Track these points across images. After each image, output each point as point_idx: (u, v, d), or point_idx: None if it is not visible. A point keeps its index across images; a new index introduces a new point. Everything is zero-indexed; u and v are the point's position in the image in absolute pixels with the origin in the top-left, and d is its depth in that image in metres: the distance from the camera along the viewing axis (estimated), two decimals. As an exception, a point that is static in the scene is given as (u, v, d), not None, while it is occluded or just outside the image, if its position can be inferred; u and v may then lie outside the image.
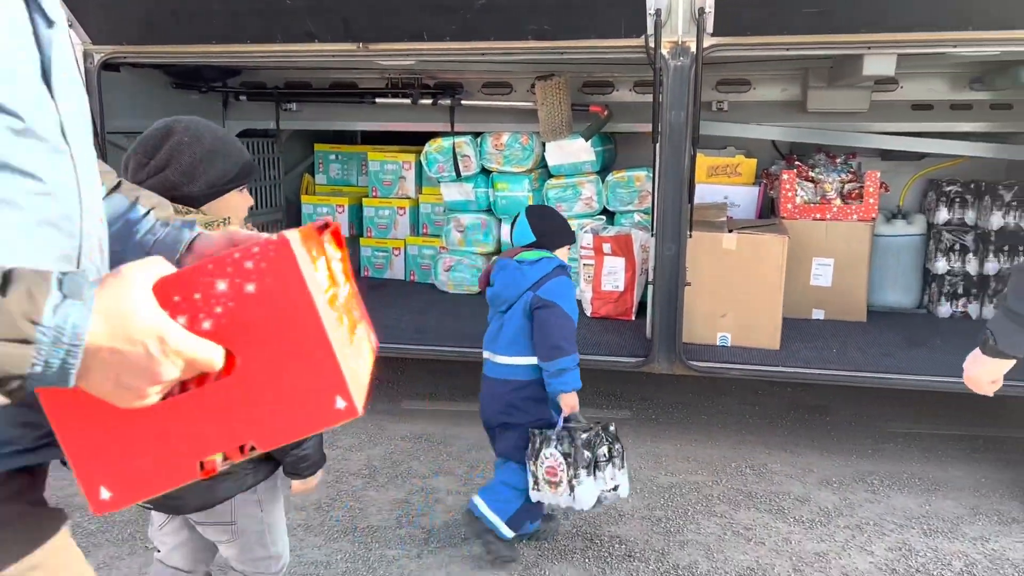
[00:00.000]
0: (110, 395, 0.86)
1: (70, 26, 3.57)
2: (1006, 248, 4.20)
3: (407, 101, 4.56)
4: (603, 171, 4.68)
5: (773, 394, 4.33)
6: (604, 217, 4.67)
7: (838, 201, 4.11)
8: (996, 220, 4.16)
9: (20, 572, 0.98)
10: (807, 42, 3.06)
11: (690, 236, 3.44)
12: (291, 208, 5.43)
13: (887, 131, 4.16)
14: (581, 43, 3.27)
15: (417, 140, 5.01)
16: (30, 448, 0.99)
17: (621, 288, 4.34)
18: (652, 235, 3.55)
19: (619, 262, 4.32)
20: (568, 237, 2.89)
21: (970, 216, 4.27)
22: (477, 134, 4.72)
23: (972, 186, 4.25)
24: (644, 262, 4.19)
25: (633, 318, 4.32)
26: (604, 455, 2.64)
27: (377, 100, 4.60)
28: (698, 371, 3.53)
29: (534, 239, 2.80)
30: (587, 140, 4.29)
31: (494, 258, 2.94)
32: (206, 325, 0.90)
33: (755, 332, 3.69)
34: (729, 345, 3.71)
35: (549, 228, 2.83)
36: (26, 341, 0.77)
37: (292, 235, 0.92)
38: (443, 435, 3.85)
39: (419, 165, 5.07)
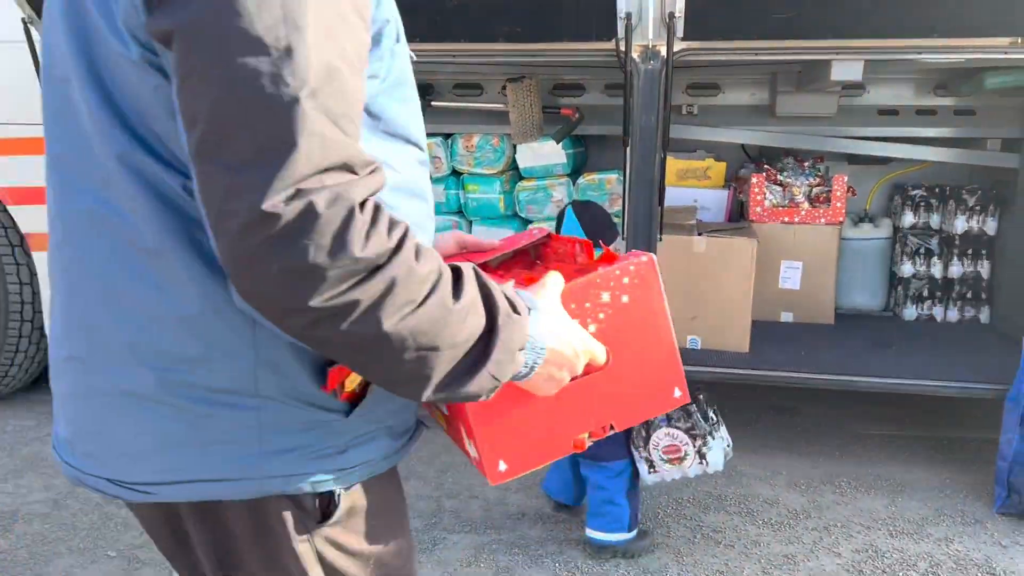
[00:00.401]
0: (539, 387, 1.04)
1: (31, 23, 3.51)
2: (970, 252, 4.26)
3: (377, 102, 4.51)
4: (574, 173, 4.68)
5: (743, 397, 4.35)
6: (575, 219, 4.66)
7: (806, 205, 4.14)
8: (960, 224, 4.22)
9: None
10: (776, 47, 3.07)
11: (660, 240, 3.45)
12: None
13: (854, 136, 4.20)
14: (552, 46, 3.25)
15: (387, 141, 4.97)
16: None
17: (592, 291, 4.33)
18: (623, 238, 3.55)
19: (590, 265, 4.32)
20: (615, 233, 2.94)
21: (935, 220, 4.33)
22: (447, 135, 4.69)
23: (937, 190, 4.31)
24: (615, 265, 4.18)
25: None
26: (713, 416, 2.77)
27: (347, 101, 4.56)
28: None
29: (584, 237, 2.83)
30: (558, 143, 4.28)
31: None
32: (591, 328, 1.12)
33: (725, 335, 3.71)
34: (699, 348, 3.72)
35: (599, 225, 2.86)
36: (521, 349, 0.96)
37: (652, 256, 1.16)
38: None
39: (389, 166, 5.03)
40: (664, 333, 1.19)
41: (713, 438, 2.74)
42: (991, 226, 4.21)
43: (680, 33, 3.09)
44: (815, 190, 4.17)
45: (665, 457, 2.74)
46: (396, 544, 1.16)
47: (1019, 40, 3.00)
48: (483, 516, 3.12)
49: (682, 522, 3.10)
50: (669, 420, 2.73)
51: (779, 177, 4.23)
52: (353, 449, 1.04)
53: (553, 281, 1.07)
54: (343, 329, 0.82)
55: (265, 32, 0.78)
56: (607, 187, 4.51)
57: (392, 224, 0.84)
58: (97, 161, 0.93)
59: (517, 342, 0.95)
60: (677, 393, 1.23)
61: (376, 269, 0.82)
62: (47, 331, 1.08)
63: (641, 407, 1.22)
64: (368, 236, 0.81)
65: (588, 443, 1.18)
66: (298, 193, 0.77)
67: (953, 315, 4.33)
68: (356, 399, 1.03)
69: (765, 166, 4.34)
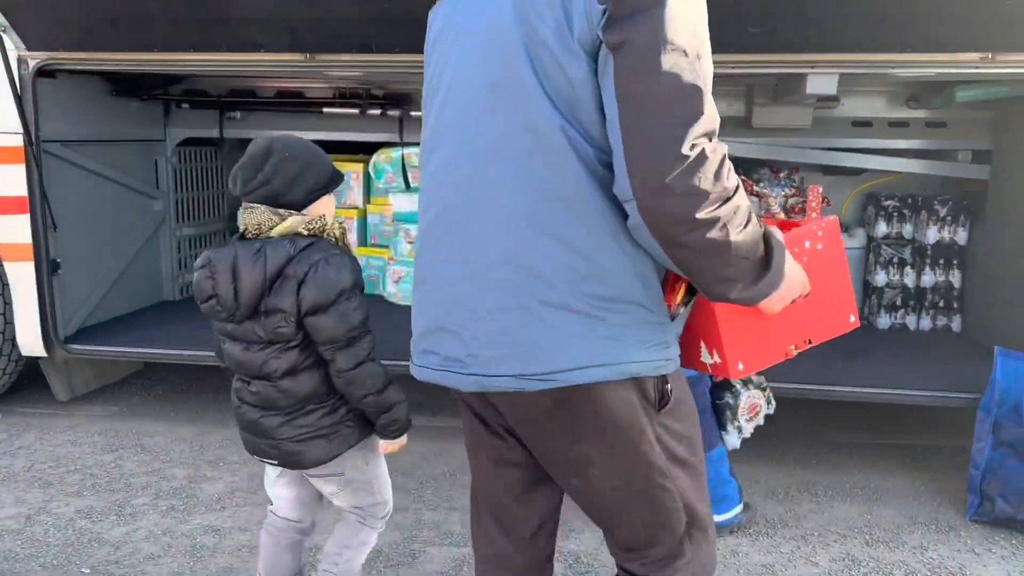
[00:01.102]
0: (772, 306, 1.44)
1: (4, 32, 3.47)
2: (941, 261, 4.33)
3: (355, 111, 4.51)
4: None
5: (720, 405, 4.38)
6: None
7: (782, 215, 4.19)
8: (932, 234, 4.29)
9: None
10: (752, 60, 3.11)
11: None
12: (235, 218, 5.32)
13: (829, 147, 4.26)
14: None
15: (365, 149, 4.97)
16: None
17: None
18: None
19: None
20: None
21: (907, 230, 4.39)
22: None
23: (909, 201, 4.38)
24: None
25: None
26: None
27: (324, 110, 4.54)
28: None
29: None
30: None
31: None
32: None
33: (703, 345, 3.73)
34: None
35: None
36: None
37: (836, 217, 1.74)
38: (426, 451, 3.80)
39: (367, 175, 5.03)
40: (844, 272, 1.69)
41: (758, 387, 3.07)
42: (962, 236, 4.28)
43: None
44: (790, 200, 4.22)
45: (749, 417, 3.01)
46: (696, 429, 1.57)
47: (989, 55, 3.06)
48: (463, 528, 3.11)
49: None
50: (746, 385, 3.03)
51: (755, 188, 4.27)
52: (672, 346, 1.46)
53: (779, 232, 1.43)
54: (707, 236, 1.25)
55: (686, 44, 1.24)
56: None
57: (732, 169, 1.29)
58: (523, 139, 1.35)
59: (779, 266, 1.37)
60: (852, 319, 1.71)
61: (729, 198, 1.27)
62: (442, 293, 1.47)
63: (829, 328, 1.67)
64: (728, 175, 1.27)
65: (793, 354, 1.62)
66: (695, 144, 1.22)
67: (926, 324, 4.40)
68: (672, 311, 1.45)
69: (741, 177, 4.37)
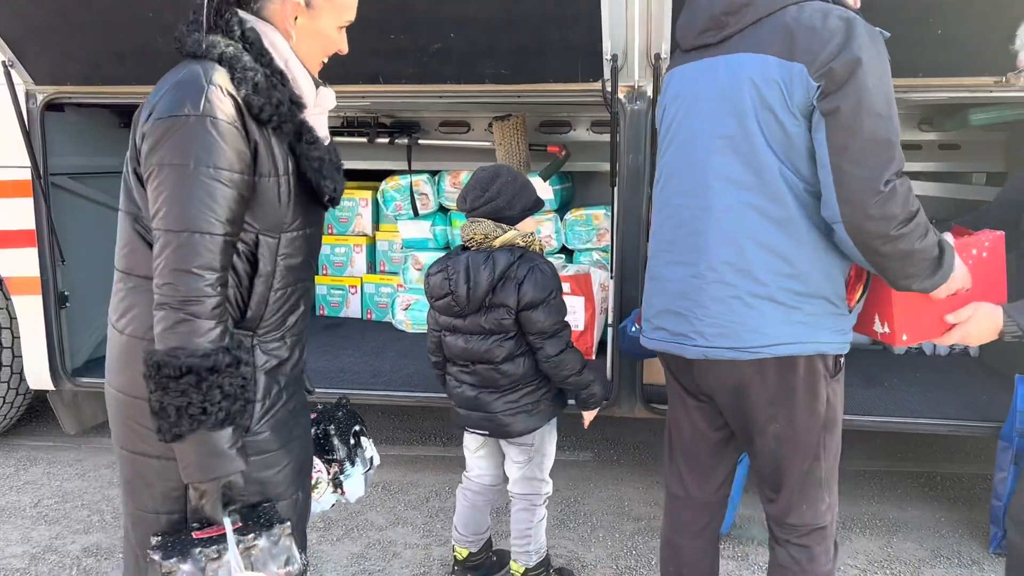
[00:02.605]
0: (940, 293, 1.87)
1: (11, 67, 3.47)
2: (957, 285, 4.26)
3: (364, 140, 4.50)
4: (561, 209, 4.66)
5: (734, 432, 4.31)
6: (563, 256, 4.64)
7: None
8: (947, 257, 4.22)
9: None
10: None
11: (650, 278, 3.43)
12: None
13: (841, 170, 4.20)
14: (539, 87, 3.25)
15: (374, 176, 4.95)
16: None
17: (581, 327, 4.30)
18: (612, 277, 3.52)
19: (579, 301, 4.28)
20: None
21: (922, 253, 4.33)
22: (434, 172, 4.68)
23: (923, 224, 4.32)
24: (603, 301, 4.16)
25: (594, 357, 4.28)
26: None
27: (334, 138, 4.53)
28: (660, 413, 3.49)
29: None
30: (545, 180, 4.27)
31: None
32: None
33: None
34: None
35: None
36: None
37: (1003, 233, 2.08)
38: (401, 483, 3.76)
39: (376, 202, 5.01)
40: (1001, 278, 2.06)
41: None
42: (978, 259, 4.20)
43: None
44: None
45: None
46: (841, 410, 2.02)
47: (1003, 79, 3.02)
48: (473, 564, 3.06)
49: (676, 568, 3.04)
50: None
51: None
52: (848, 332, 1.93)
53: (951, 238, 1.93)
54: (898, 247, 1.72)
55: (881, 109, 1.71)
56: (594, 222, 4.50)
57: (914, 194, 1.75)
58: (746, 177, 1.83)
59: (948, 265, 1.81)
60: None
61: (913, 217, 1.72)
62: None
63: None
64: (912, 200, 1.73)
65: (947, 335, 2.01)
66: (888, 181, 1.69)
67: (943, 349, 4.32)
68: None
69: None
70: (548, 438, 2.72)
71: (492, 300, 2.48)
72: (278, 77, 1.57)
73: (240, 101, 1.50)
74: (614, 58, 3.06)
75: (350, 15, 1.72)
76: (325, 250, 5.13)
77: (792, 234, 1.81)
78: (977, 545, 3.19)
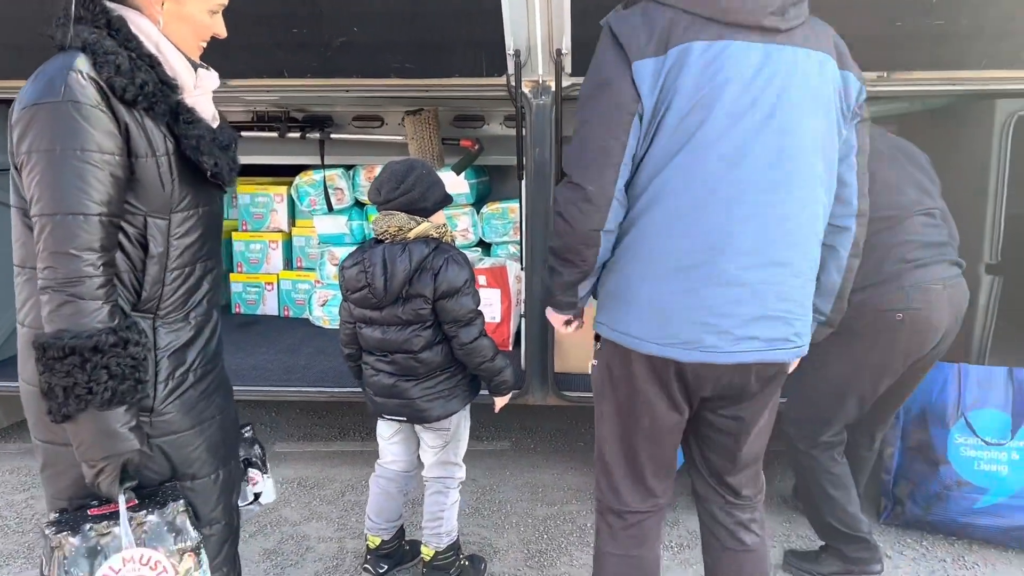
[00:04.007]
0: None
1: None
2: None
3: (275, 135, 4.46)
4: (478, 203, 4.71)
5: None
6: (480, 249, 4.69)
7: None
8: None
9: None
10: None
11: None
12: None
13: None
14: (445, 81, 3.28)
15: (289, 172, 4.91)
16: None
17: (498, 319, 4.36)
18: (523, 269, 3.59)
19: (495, 293, 4.34)
20: None
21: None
22: (349, 167, 4.66)
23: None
24: (519, 293, 4.23)
25: (511, 348, 4.35)
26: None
27: (243, 133, 4.48)
28: (571, 400, 3.58)
29: None
30: (458, 174, 4.31)
31: None
32: None
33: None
34: (601, 374, 3.78)
35: None
36: None
37: None
38: (316, 478, 3.75)
39: (290, 198, 4.97)
40: None
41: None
42: (873, 246, 4.41)
43: (568, 69, 3.16)
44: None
45: None
46: None
47: (885, 74, 3.18)
48: (387, 555, 3.09)
49: (586, 549, 3.13)
50: None
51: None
52: None
53: None
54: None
55: None
56: (510, 215, 4.56)
57: None
58: (827, 180, 1.85)
59: None
60: None
61: None
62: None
63: None
64: None
65: None
66: None
67: (842, 332, 4.51)
68: None
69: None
70: (463, 423, 2.79)
71: (409, 291, 2.54)
72: (146, 60, 1.60)
73: (103, 84, 1.53)
74: (517, 53, 3.12)
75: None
76: (240, 247, 5.07)
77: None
78: (869, 516, 3.35)
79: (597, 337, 2.01)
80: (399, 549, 2.92)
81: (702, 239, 1.76)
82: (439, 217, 2.67)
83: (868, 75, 3.15)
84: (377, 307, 2.58)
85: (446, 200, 2.68)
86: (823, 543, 2.94)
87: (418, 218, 2.58)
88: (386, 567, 2.89)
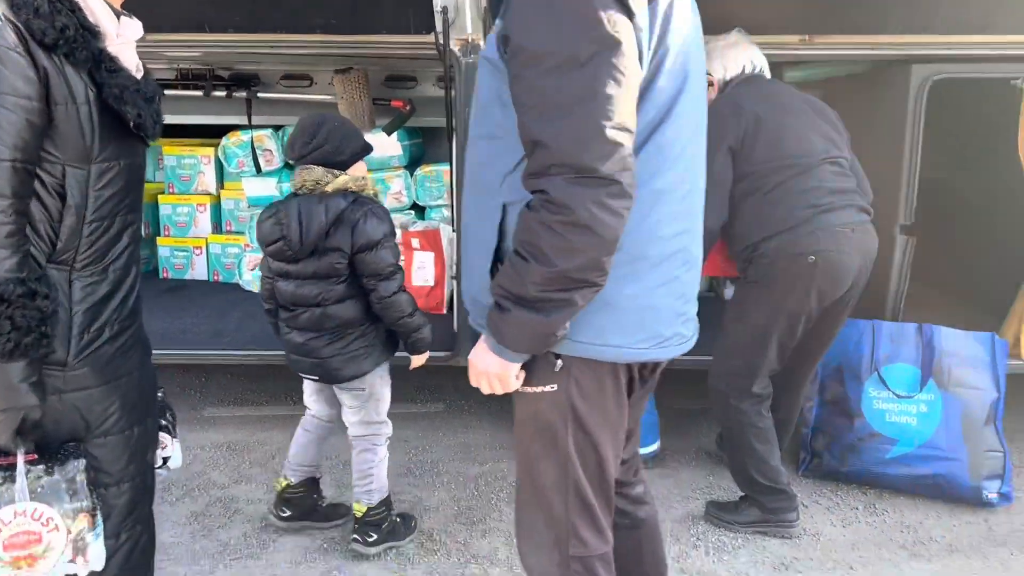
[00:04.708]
0: None
1: None
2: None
3: (199, 93, 4.34)
4: (412, 165, 4.67)
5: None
6: (413, 212, 4.66)
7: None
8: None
9: None
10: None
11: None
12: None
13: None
14: (371, 38, 3.23)
15: (216, 133, 4.79)
16: None
17: (431, 283, 4.36)
18: (453, 230, 3.58)
19: (428, 257, 4.34)
20: None
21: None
22: (277, 127, 4.57)
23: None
24: (453, 256, 4.23)
25: (445, 311, 4.36)
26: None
27: (166, 92, 4.33)
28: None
29: None
30: (389, 135, 4.27)
31: None
32: None
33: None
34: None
35: None
36: None
37: None
38: (247, 442, 3.72)
39: (218, 160, 4.86)
40: None
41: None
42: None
43: (497, 27, 3.14)
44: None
45: None
46: None
47: (807, 37, 3.24)
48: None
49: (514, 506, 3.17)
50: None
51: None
52: None
53: None
54: None
55: None
56: (444, 179, 4.53)
57: None
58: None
59: None
60: None
61: None
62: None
63: None
64: None
65: None
66: None
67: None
68: None
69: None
70: (379, 382, 2.77)
71: (325, 244, 2.52)
72: (67, 4, 1.55)
73: (20, 26, 1.48)
74: (444, 10, 3.08)
75: None
76: (167, 211, 4.94)
77: None
78: (789, 468, 3.48)
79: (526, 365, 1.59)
80: (307, 499, 2.93)
81: (680, 222, 1.57)
82: (358, 169, 2.64)
83: (790, 38, 3.25)
84: (293, 260, 2.57)
85: (364, 151, 2.65)
86: (743, 494, 3.04)
87: (336, 171, 2.55)
88: (289, 512, 2.91)
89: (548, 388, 1.59)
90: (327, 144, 2.53)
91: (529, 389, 1.61)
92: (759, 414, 2.94)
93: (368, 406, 2.76)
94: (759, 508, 2.98)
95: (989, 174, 4.15)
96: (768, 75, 2.99)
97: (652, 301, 1.56)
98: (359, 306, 2.61)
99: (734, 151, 2.76)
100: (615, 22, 1.32)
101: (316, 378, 2.71)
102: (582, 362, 1.57)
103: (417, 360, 2.83)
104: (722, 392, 2.98)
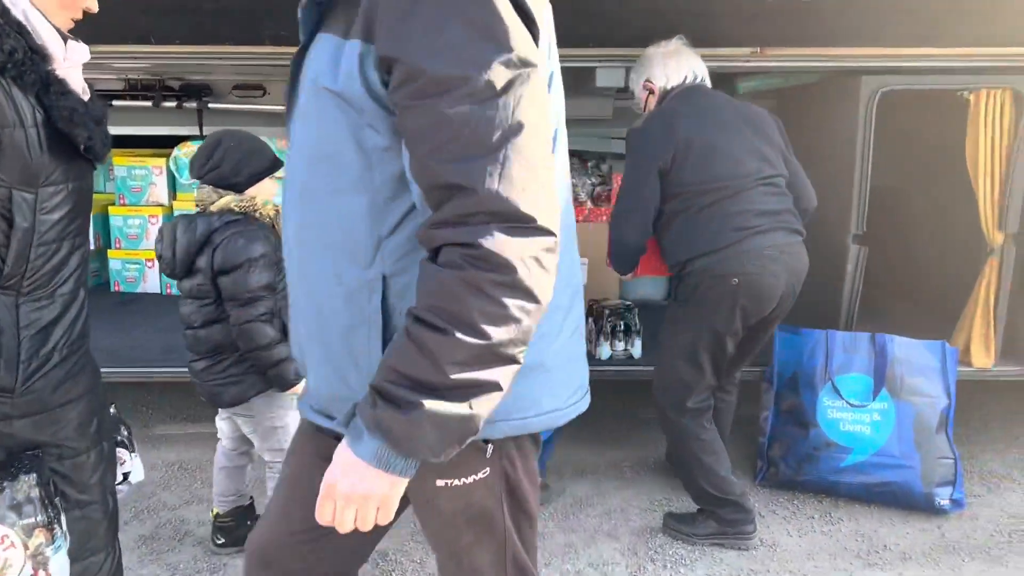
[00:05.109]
0: None
1: None
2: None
3: (148, 104, 4.25)
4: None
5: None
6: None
7: (589, 203, 4.32)
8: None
9: None
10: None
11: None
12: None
13: (632, 136, 4.42)
14: (323, 50, 3.18)
15: (168, 143, 4.70)
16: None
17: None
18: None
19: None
20: None
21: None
22: (231, 138, 4.49)
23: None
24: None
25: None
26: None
27: (115, 102, 4.25)
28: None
29: None
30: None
31: None
32: None
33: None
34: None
35: None
36: None
37: None
38: (199, 461, 3.64)
39: (171, 170, 4.76)
40: None
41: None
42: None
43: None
44: (597, 189, 4.36)
45: None
46: None
47: (758, 50, 3.27)
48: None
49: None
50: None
51: (564, 177, 4.38)
52: None
53: None
54: None
55: None
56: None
57: None
58: None
59: None
60: None
61: None
62: None
63: None
64: None
65: None
66: None
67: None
68: None
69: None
70: (267, 410, 2.64)
71: (194, 265, 2.51)
72: (14, 27, 1.53)
73: None
74: (396, 22, 3.05)
75: None
76: (118, 223, 4.83)
77: None
78: (746, 479, 3.49)
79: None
80: (240, 527, 2.87)
81: (575, 255, 1.42)
82: (261, 189, 2.57)
83: (741, 51, 3.27)
84: (175, 278, 2.59)
85: (268, 170, 2.57)
86: (698, 517, 3.04)
87: (221, 191, 2.51)
88: (223, 540, 2.89)
89: (480, 475, 1.34)
90: (223, 165, 2.49)
91: (458, 482, 1.33)
92: (701, 426, 2.95)
93: (267, 434, 2.68)
94: (716, 520, 2.98)
95: (939, 183, 4.22)
96: (709, 84, 2.98)
97: (573, 350, 1.39)
98: (226, 331, 2.53)
99: (663, 171, 2.75)
100: (527, 40, 1.13)
101: (203, 399, 2.68)
102: (514, 444, 1.36)
103: (291, 391, 2.59)
104: (661, 406, 3.01)
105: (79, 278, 1.73)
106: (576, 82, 3.94)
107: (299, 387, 2.55)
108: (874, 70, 3.35)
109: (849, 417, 3.22)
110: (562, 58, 3.20)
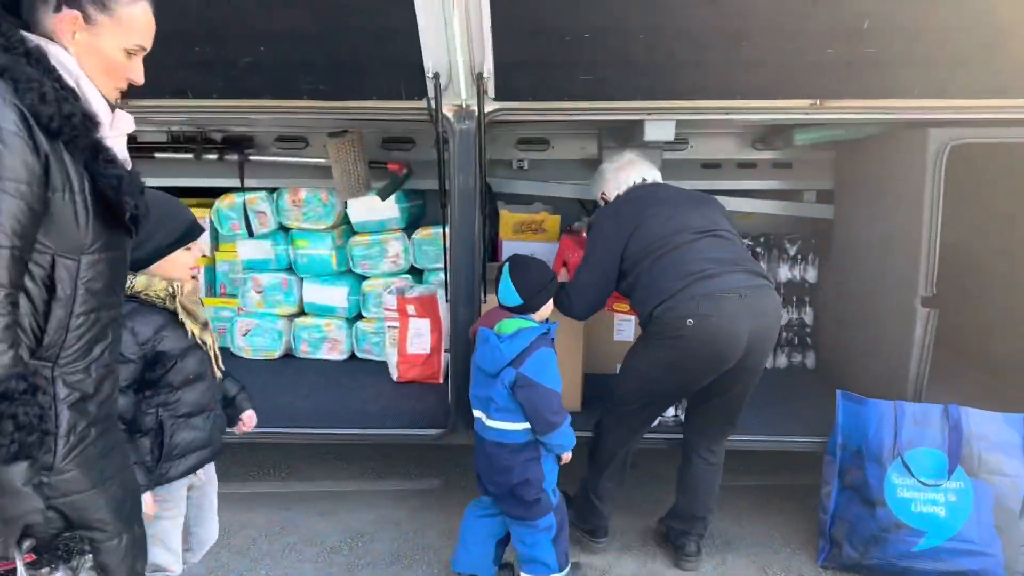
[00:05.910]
0: None
1: None
2: (794, 299, 4.39)
3: (190, 156, 4.23)
4: (410, 227, 4.53)
5: (580, 456, 4.28)
6: (409, 276, 4.51)
7: (637, 258, 4.14)
8: (784, 272, 4.35)
9: None
10: (584, 108, 3.05)
11: (484, 301, 3.34)
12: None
13: (681, 188, 4.25)
14: (361, 104, 3.11)
15: (211, 195, 4.67)
16: None
17: (428, 350, 4.18)
18: (447, 300, 3.42)
19: (424, 324, 4.16)
20: (551, 292, 2.89)
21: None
22: (272, 190, 4.45)
23: (762, 239, 4.42)
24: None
25: (442, 380, 4.17)
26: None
27: (156, 155, 4.24)
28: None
29: (520, 301, 2.79)
30: (384, 199, 4.12)
31: (478, 322, 2.92)
32: None
33: (557, 395, 3.65)
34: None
35: (534, 289, 2.80)
36: None
37: None
38: (228, 524, 3.49)
39: (212, 222, 4.73)
40: None
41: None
42: (812, 274, 4.35)
43: (491, 93, 3.02)
44: (645, 243, 4.18)
45: None
46: None
47: (817, 102, 3.10)
48: None
49: (509, 602, 2.94)
50: None
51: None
52: None
53: None
54: None
55: None
56: (443, 242, 4.38)
57: None
58: None
59: None
60: None
61: None
62: None
63: None
64: None
65: None
66: None
67: (782, 361, 4.43)
68: None
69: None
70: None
71: None
72: (68, 92, 1.51)
73: (26, 111, 1.42)
74: (436, 76, 2.96)
75: (139, 39, 1.65)
76: (159, 272, 4.80)
77: None
78: (806, 558, 3.24)
79: None
80: None
81: None
82: (169, 263, 2.23)
83: (800, 103, 3.10)
84: None
85: (179, 241, 2.23)
86: (575, 493, 3.30)
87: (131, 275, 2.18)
88: None
89: None
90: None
91: None
92: (619, 444, 3.13)
93: None
94: (575, 510, 3.26)
95: (1013, 240, 3.95)
96: (660, 182, 3.27)
97: None
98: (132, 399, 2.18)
99: (616, 254, 2.99)
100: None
101: None
102: None
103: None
104: (604, 408, 3.21)
105: (113, 351, 1.69)
106: (624, 135, 3.81)
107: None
108: (942, 122, 3.14)
109: (921, 497, 2.96)
110: (606, 110, 3.11)
